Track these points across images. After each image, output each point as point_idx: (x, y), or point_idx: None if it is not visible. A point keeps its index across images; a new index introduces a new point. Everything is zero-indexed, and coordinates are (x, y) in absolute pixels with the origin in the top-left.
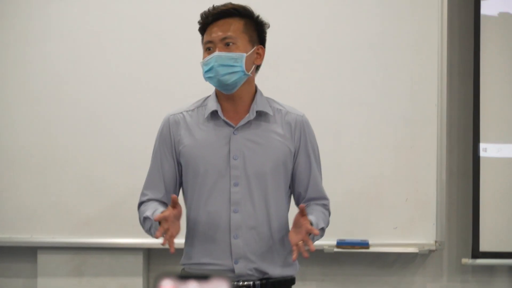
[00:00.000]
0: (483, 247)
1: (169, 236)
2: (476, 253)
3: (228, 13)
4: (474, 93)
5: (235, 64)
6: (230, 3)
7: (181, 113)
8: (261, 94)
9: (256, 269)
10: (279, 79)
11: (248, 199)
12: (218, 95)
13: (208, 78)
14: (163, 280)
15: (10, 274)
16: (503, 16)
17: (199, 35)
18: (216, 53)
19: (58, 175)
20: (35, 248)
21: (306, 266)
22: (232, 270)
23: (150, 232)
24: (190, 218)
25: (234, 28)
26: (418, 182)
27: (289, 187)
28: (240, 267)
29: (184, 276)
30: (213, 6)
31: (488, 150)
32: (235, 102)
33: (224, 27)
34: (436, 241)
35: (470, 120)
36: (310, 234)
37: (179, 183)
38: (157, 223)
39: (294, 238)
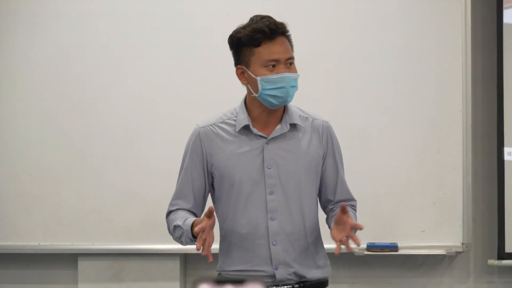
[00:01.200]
0: (509, 248)
1: (207, 246)
2: (502, 254)
3: (284, 32)
4: (498, 98)
5: (296, 84)
6: (277, 21)
7: (211, 125)
8: (291, 105)
9: (295, 274)
10: (308, 87)
11: (284, 206)
12: (250, 108)
13: (270, 96)
14: (200, 285)
15: (51, 281)
16: None
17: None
18: (287, 74)
19: (97, 183)
20: (75, 255)
21: (338, 269)
22: (273, 276)
23: (180, 240)
24: (226, 227)
25: (290, 48)
26: (445, 186)
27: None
28: (281, 273)
29: (220, 281)
30: (272, 21)
31: None
32: (270, 114)
33: (285, 47)
34: (462, 243)
35: (494, 124)
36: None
37: (207, 194)
38: (189, 231)
39: (337, 235)
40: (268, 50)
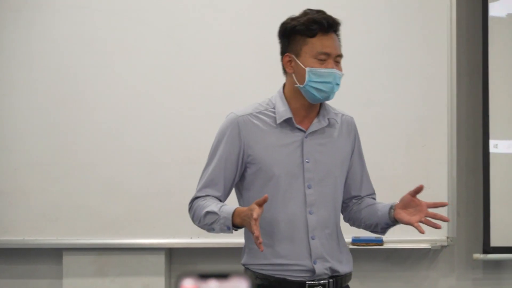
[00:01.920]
0: (494, 242)
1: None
2: (487, 248)
3: (337, 29)
4: (483, 91)
5: (340, 83)
6: (337, 20)
7: (249, 114)
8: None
9: (331, 268)
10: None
11: (321, 200)
12: (290, 100)
13: (315, 89)
14: (184, 279)
15: (36, 276)
16: (511, 17)
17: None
18: (335, 70)
19: (82, 177)
20: (60, 250)
21: None
22: (313, 270)
23: (210, 226)
24: (260, 220)
25: (340, 46)
26: (430, 180)
27: None
28: (319, 267)
29: (204, 275)
30: (330, 16)
31: (499, 146)
32: (310, 109)
33: (337, 43)
34: (448, 237)
35: (480, 118)
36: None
37: (235, 184)
38: (229, 219)
39: (413, 217)
40: (321, 43)
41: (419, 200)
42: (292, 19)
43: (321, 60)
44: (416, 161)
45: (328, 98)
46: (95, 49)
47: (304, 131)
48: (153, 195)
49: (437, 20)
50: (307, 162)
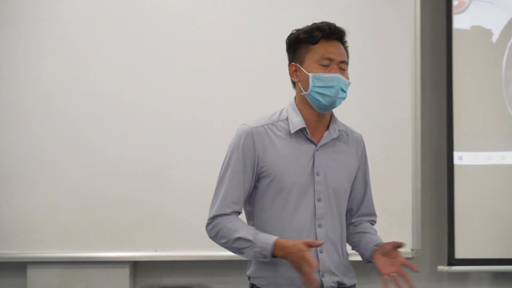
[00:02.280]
0: (459, 254)
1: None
2: (452, 260)
3: (342, 37)
4: (448, 103)
5: (346, 90)
6: (341, 28)
7: (263, 126)
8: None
9: (338, 282)
10: (264, 89)
11: (329, 214)
12: (302, 110)
13: (319, 94)
14: None
15: None
16: (475, 29)
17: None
18: (339, 75)
19: (47, 191)
20: (24, 263)
21: None
22: (321, 284)
23: (240, 251)
24: (269, 231)
25: (346, 54)
26: (395, 192)
27: None
28: (327, 281)
29: None
30: (333, 24)
31: (464, 158)
32: (320, 120)
33: (341, 50)
34: (412, 249)
35: (444, 129)
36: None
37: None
38: (265, 249)
39: (386, 268)
40: (324, 49)
41: (396, 253)
42: (296, 30)
43: (324, 65)
44: (381, 173)
45: (333, 104)
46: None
47: (315, 143)
48: (118, 209)
49: (402, 32)
50: (317, 175)
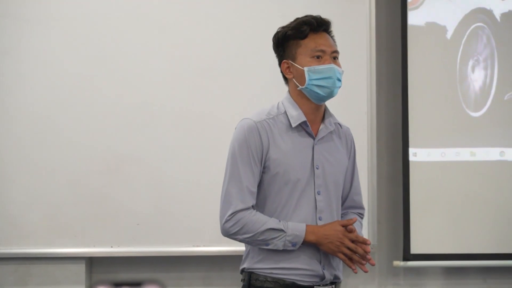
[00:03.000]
0: (414, 249)
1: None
2: (407, 256)
3: (328, 28)
4: (403, 99)
5: (341, 79)
6: (326, 19)
7: (265, 120)
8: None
9: (335, 275)
10: (212, 88)
11: (328, 207)
12: (299, 104)
13: (317, 87)
14: (97, 287)
15: None
16: (430, 25)
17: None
18: (335, 65)
19: (1, 186)
20: None
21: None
22: (322, 276)
23: (268, 242)
24: None
25: (335, 43)
26: None
27: None
28: (327, 273)
29: (118, 284)
30: (318, 16)
31: (418, 154)
32: (317, 112)
33: (331, 41)
34: None
35: (399, 126)
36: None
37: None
38: (298, 236)
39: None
40: (314, 41)
41: (355, 236)
42: (282, 27)
43: (317, 57)
44: None
45: (331, 94)
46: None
47: (314, 137)
48: (73, 204)
49: (357, 28)
50: (317, 168)
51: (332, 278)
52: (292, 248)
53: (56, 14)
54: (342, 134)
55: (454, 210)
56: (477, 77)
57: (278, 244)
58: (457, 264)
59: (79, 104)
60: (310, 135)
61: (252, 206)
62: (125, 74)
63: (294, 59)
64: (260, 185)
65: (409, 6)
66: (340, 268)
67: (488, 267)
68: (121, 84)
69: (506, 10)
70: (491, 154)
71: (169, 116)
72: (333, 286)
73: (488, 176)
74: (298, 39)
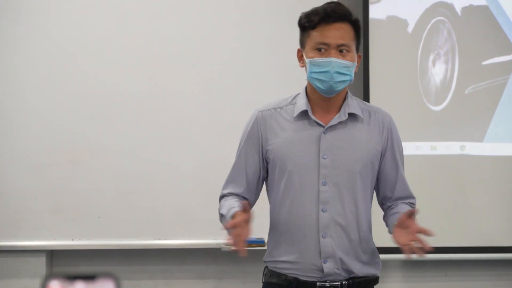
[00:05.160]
0: (375, 243)
1: (240, 241)
2: None
3: (344, 18)
4: (364, 94)
5: (347, 72)
6: (340, 5)
7: (270, 109)
8: (351, 95)
9: (344, 269)
10: (179, 82)
11: (337, 198)
12: (309, 94)
13: (316, 80)
14: (50, 281)
15: None
16: (391, 19)
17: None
18: (334, 58)
19: None
20: None
21: (205, 264)
22: (321, 270)
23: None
24: (276, 216)
25: (349, 35)
26: None
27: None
28: (329, 267)
29: (71, 277)
30: (330, 6)
31: None
32: (329, 103)
33: (340, 33)
34: None
35: None
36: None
37: (263, 179)
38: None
39: (402, 238)
40: (321, 34)
41: (410, 222)
42: (303, 13)
43: (321, 50)
44: None
45: (331, 88)
46: None
47: (323, 126)
48: (34, 197)
49: None
50: (324, 158)
51: (341, 272)
52: None
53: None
54: (374, 121)
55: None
56: (438, 71)
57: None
58: (418, 257)
59: (38, 95)
60: (319, 124)
61: (238, 194)
62: (85, 65)
63: (304, 48)
64: (268, 176)
65: (370, 0)
66: (367, 261)
67: (449, 261)
68: (81, 75)
69: (467, 4)
70: (451, 148)
71: (130, 108)
72: (346, 282)
73: (448, 170)
74: (309, 29)
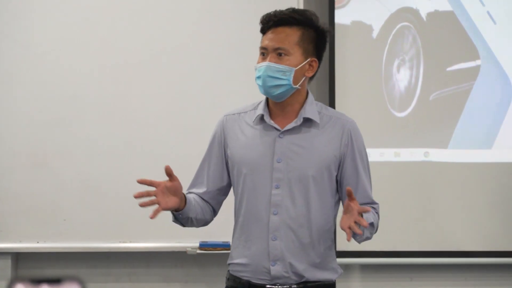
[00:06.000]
0: (339, 246)
1: (152, 203)
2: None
3: (287, 21)
4: (330, 98)
5: (282, 77)
6: (293, 10)
7: (234, 114)
8: (312, 101)
9: (294, 272)
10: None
11: (289, 201)
12: (269, 100)
13: (258, 85)
14: (16, 284)
15: None
16: (356, 24)
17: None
18: (267, 63)
19: None
20: None
21: (170, 268)
22: (270, 272)
23: (176, 221)
24: (236, 219)
25: (289, 39)
26: None
27: (338, 193)
28: (277, 269)
29: (36, 280)
30: (276, 10)
31: None
32: (284, 108)
33: (280, 37)
34: None
35: None
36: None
37: (228, 183)
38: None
39: (345, 222)
40: (264, 38)
41: (354, 204)
42: None
43: (263, 55)
44: None
45: (268, 93)
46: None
47: (280, 130)
48: (1, 199)
49: None
50: (278, 162)
51: (291, 275)
52: (177, 222)
53: None
54: (334, 127)
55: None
56: (402, 77)
57: (174, 219)
58: (383, 261)
59: (3, 97)
60: (275, 128)
61: (200, 193)
62: (53, 67)
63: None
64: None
65: (336, 4)
66: (321, 266)
67: (414, 265)
68: (48, 78)
69: (432, 10)
70: (415, 154)
71: (96, 111)
72: (296, 286)
73: (412, 177)
74: (262, 34)
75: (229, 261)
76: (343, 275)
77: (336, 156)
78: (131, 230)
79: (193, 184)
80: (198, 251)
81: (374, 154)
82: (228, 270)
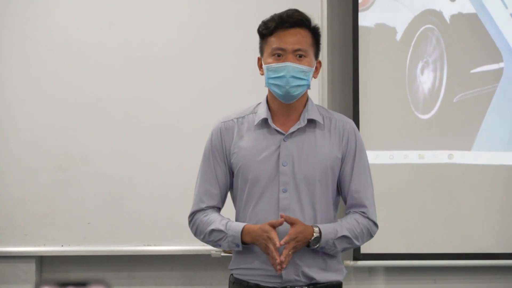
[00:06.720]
0: (364, 249)
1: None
2: (358, 255)
3: (301, 23)
4: (354, 100)
5: (304, 77)
6: (299, 12)
7: (232, 120)
8: (312, 102)
9: (304, 275)
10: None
11: (297, 205)
12: (269, 102)
13: (273, 85)
14: (42, 287)
15: None
16: (380, 27)
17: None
18: (290, 63)
19: None
20: None
21: (195, 271)
22: (281, 276)
23: (217, 243)
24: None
25: (306, 41)
26: None
27: (338, 194)
28: (288, 273)
29: (63, 283)
30: (285, 12)
31: (367, 156)
32: (289, 110)
33: (297, 38)
34: None
35: None
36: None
37: (229, 189)
38: (238, 237)
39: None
40: (278, 39)
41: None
42: (262, 21)
43: (278, 56)
44: None
45: (288, 93)
46: None
47: (283, 134)
48: (24, 202)
49: None
50: (283, 165)
51: (302, 278)
52: (237, 248)
53: None
54: (334, 128)
55: (403, 211)
56: (426, 79)
57: (224, 245)
58: (407, 264)
59: (28, 100)
60: (279, 132)
61: (216, 207)
62: (75, 71)
63: (262, 56)
64: (233, 185)
65: (360, 7)
66: (328, 268)
67: (438, 267)
68: (72, 81)
69: (456, 12)
70: (439, 157)
71: (120, 114)
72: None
73: (436, 179)
74: (267, 36)
75: (233, 266)
76: (368, 277)
77: (339, 158)
78: (155, 234)
79: (204, 194)
80: (223, 254)
81: (398, 156)
82: (232, 274)
